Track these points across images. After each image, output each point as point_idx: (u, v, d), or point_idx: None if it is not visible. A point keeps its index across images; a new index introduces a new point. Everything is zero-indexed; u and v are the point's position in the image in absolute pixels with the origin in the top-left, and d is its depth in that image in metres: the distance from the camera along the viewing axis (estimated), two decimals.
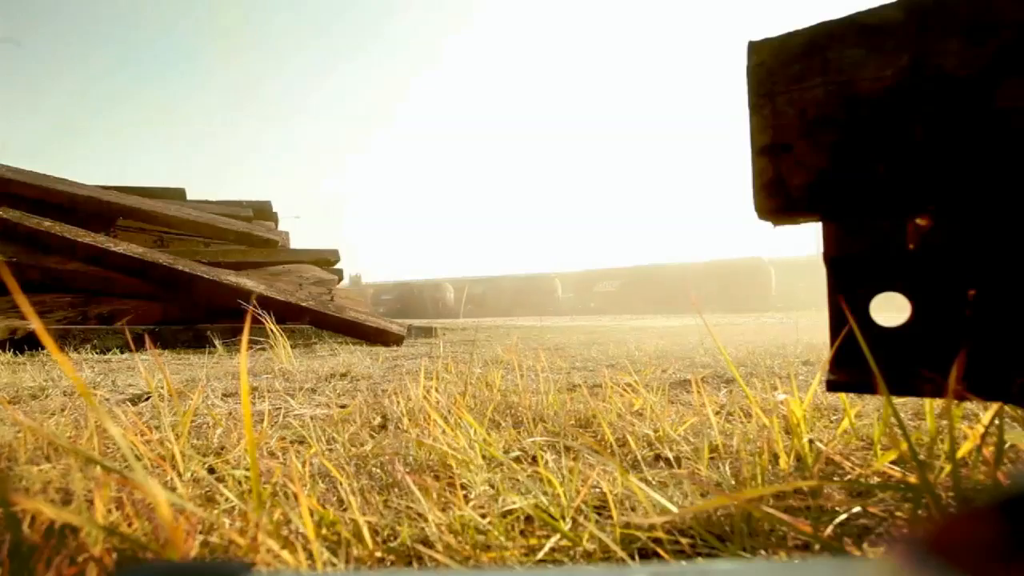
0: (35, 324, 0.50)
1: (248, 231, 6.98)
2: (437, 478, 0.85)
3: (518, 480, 0.80)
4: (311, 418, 1.33)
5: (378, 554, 0.59)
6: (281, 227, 7.85)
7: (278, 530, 0.60)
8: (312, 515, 0.61)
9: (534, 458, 0.95)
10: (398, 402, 1.39)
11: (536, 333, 5.82)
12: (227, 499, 0.75)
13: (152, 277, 5.41)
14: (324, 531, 0.63)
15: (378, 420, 1.28)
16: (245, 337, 0.68)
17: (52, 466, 0.86)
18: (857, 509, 0.66)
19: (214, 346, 4.17)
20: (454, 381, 1.72)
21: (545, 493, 0.71)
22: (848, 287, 0.63)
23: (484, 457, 0.91)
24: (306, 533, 0.58)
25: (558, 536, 0.61)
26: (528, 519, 0.68)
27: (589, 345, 3.74)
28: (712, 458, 0.92)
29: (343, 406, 1.48)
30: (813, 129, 0.62)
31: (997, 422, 0.66)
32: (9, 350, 3.89)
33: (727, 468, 0.85)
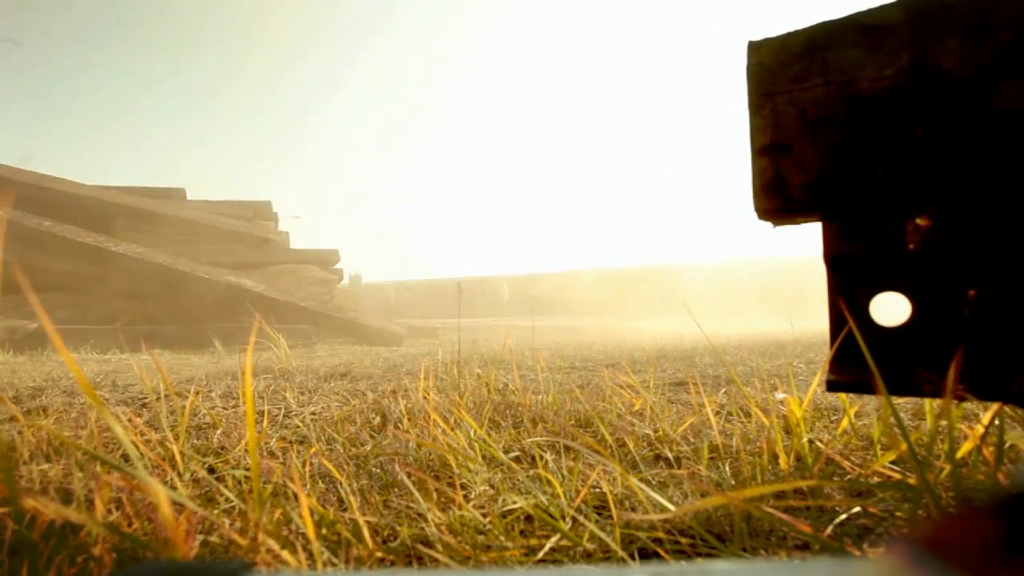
0: (45, 324, 0.50)
1: (248, 231, 6.98)
2: (437, 478, 0.85)
3: (518, 480, 0.80)
4: (311, 418, 1.33)
5: (378, 554, 0.59)
6: (281, 227, 7.85)
7: (278, 530, 0.60)
8: (312, 515, 0.61)
9: (534, 458, 0.95)
10: (398, 402, 1.39)
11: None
12: (227, 499, 0.75)
13: (152, 277, 5.41)
14: (324, 531, 0.63)
15: (378, 420, 1.28)
16: (252, 338, 0.68)
17: (52, 465, 0.86)
18: (857, 509, 0.66)
19: (214, 346, 4.17)
20: (454, 381, 1.72)
21: (545, 493, 0.71)
22: (848, 287, 0.63)
23: (484, 457, 0.91)
24: (306, 533, 0.58)
25: (558, 536, 0.61)
26: (528, 519, 0.68)
27: None
28: (712, 458, 0.92)
29: (343, 406, 1.48)
30: (813, 129, 0.62)
31: (997, 422, 0.66)
32: (8, 350, 3.89)
33: (727, 468, 0.85)
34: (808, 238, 0.68)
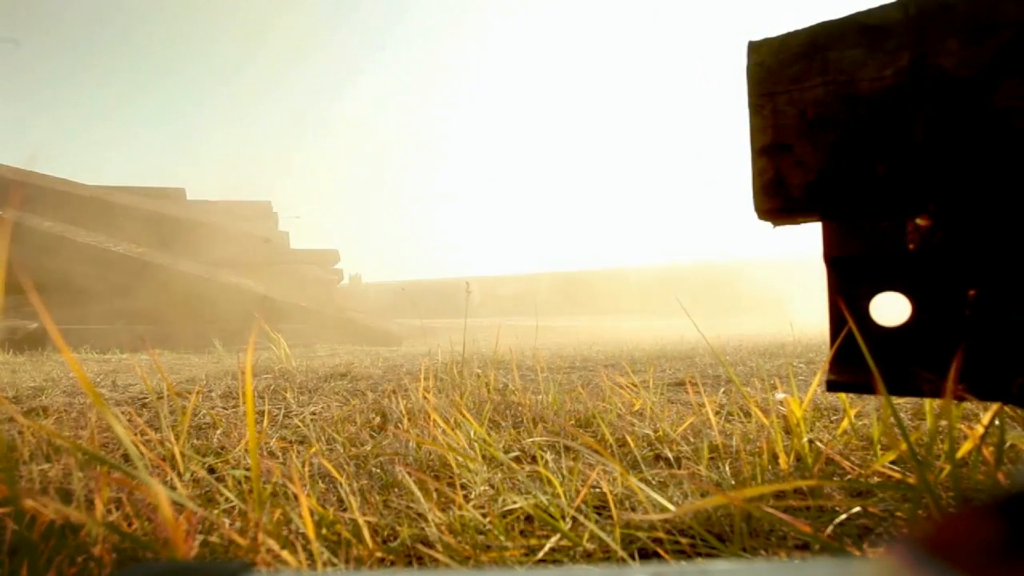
0: (47, 324, 0.50)
1: (248, 231, 6.98)
2: (437, 478, 0.85)
3: (518, 480, 0.80)
4: (311, 418, 1.33)
5: (378, 554, 0.59)
6: (281, 227, 7.85)
7: (278, 530, 0.60)
8: (312, 515, 0.61)
9: (534, 458, 0.95)
10: (398, 402, 1.39)
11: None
12: (227, 499, 0.75)
13: (152, 277, 5.41)
14: (324, 531, 0.63)
15: (378, 420, 1.28)
16: (252, 338, 0.68)
17: (52, 465, 0.86)
18: (857, 509, 0.66)
19: (214, 346, 4.18)
20: (454, 381, 1.72)
21: (545, 493, 0.71)
22: (848, 287, 0.63)
23: (484, 457, 0.91)
24: (306, 533, 0.58)
25: (558, 536, 0.61)
26: (528, 519, 0.68)
27: None
28: (712, 458, 0.92)
29: (343, 406, 1.48)
30: (813, 129, 0.62)
31: (997, 422, 0.66)
32: (8, 350, 3.89)
33: (727, 468, 0.85)
34: (809, 238, 0.68)
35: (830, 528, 0.62)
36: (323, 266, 7.30)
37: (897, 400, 1.14)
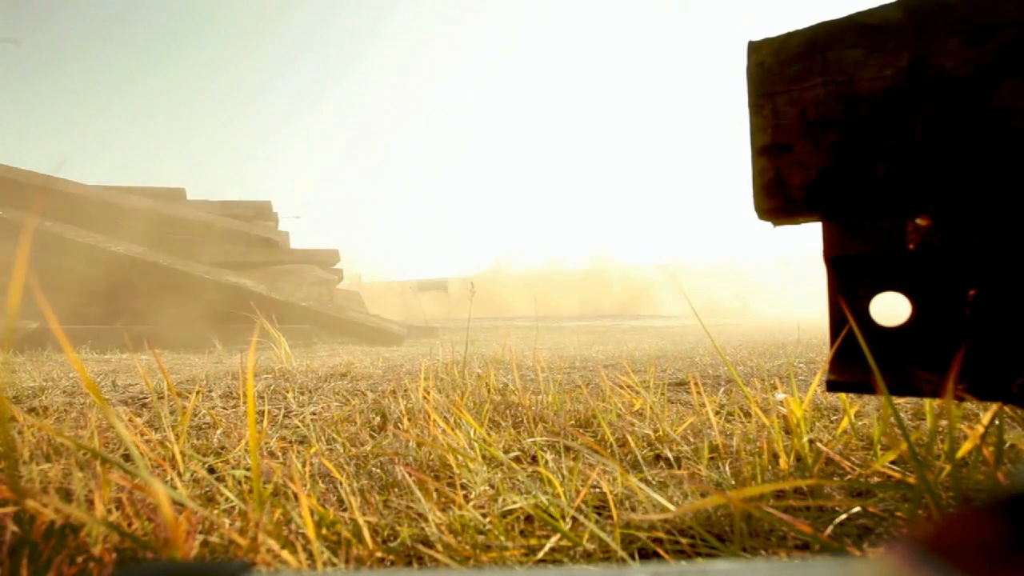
0: (51, 324, 0.50)
1: (248, 231, 6.98)
2: (437, 478, 0.85)
3: (518, 480, 0.80)
4: (311, 418, 1.33)
5: (378, 554, 0.59)
6: (281, 227, 7.85)
7: (278, 530, 0.60)
8: (312, 515, 0.61)
9: (534, 458, 0.95)
10: (398, 402, 1.39)
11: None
12: (227, 499, 0.75)
13: (152, 277, 5.41)
14: (324, 531, 0.63)
15: (378, 420, 1.28)
16: (254, 338, 0.68)
17: (52, 465, 0.86)
18: (857, 509, 0.66)
19: (214, 346, 4.18)
20: (454, 381, 1.72)
21: (545, 493, 0.71)
22: (848, 287, 0.63)
23: (484, 457, 0.91)
24: (306, 533, 0.58)
25: (558, 536, 0.61)
26: (528, 519, 0.68)
27: None
28: (712, 458, 0.92)
29: (343, 406, 1.48)
30: (813, 129, 0.62)
31: (997, 422, 0.66)
32: (8, 350, 3.89)
33: (727, 468, 0.85)
34: (810, 237, 0.68)
35: (830, 528, 0.62)
36: (323, 266, 7.30)
37: (897, 400, 1.14)
